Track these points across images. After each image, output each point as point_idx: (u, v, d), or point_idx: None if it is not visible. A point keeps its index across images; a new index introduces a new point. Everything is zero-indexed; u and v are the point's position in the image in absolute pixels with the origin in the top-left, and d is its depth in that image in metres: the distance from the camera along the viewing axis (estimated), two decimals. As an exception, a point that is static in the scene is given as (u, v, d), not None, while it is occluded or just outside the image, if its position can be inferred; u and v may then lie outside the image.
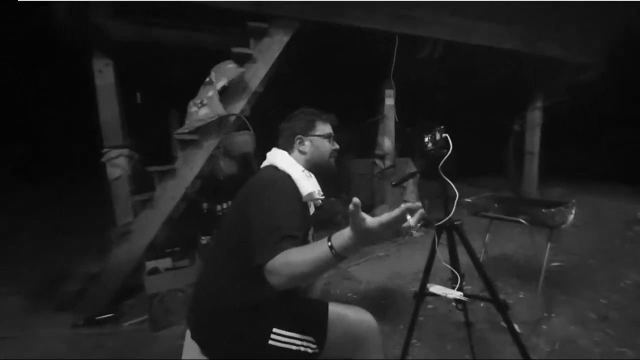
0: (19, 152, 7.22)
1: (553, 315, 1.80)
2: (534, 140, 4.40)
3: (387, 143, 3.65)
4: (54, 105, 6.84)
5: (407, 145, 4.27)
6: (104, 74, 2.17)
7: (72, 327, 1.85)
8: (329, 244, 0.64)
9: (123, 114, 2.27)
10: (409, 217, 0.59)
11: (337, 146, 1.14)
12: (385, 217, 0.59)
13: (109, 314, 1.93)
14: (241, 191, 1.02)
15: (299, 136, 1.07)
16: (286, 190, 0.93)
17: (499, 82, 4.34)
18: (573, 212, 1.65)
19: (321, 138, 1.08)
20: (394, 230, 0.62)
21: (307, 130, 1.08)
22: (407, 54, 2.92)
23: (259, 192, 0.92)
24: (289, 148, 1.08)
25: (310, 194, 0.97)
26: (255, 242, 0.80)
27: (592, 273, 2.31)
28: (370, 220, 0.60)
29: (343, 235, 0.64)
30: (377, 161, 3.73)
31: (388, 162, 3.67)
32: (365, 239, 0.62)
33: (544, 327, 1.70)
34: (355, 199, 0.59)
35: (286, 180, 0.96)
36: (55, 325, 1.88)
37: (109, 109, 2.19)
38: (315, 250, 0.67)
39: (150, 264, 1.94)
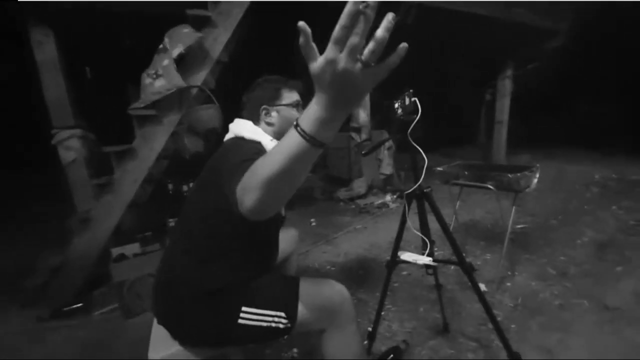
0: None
1: (516, 273, 1.92)
2: (503, 109, 4.52)
3: (363, 115, 3.60)
4: None
5: (385, 117, 4.25)
6: (45, 46, 1.90)
7: (37, 322, 1.75)
8: (295, 124, 0.46)
9: (71, 90, 2.04)
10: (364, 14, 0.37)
11: None
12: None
13: (77, 304, 1.84)
14: (205, 167, 0.96)
15: (264, 106, 1.00)
16: (257, 147, 0.87)
17: (472, 50, 4.33)
18: (537, 176, 1.71)
19: (289, 107, 1.02)
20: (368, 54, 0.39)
21: (272, 99, 1.01)
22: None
23: (226, 154, 0.85)
24: (254, 120, 1.01)
25: None
26: (225, 186, 0.69)
27: (553, 233, 2.49)
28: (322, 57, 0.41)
29: (308, 109, 0.45)
30: (353, 134, 3.69)
31: (364, 135, 3.65)
32: (331, 89, 0.42)
33: (508, 284, 1.82)
34: (303, 25, 0.40)
35: (257, 144, 0.90)
36: (20, 323, 1.77)
37: (54, 86, 1.94)
38: (283, 143, 0.47)
39: (116, 251, 1.84)
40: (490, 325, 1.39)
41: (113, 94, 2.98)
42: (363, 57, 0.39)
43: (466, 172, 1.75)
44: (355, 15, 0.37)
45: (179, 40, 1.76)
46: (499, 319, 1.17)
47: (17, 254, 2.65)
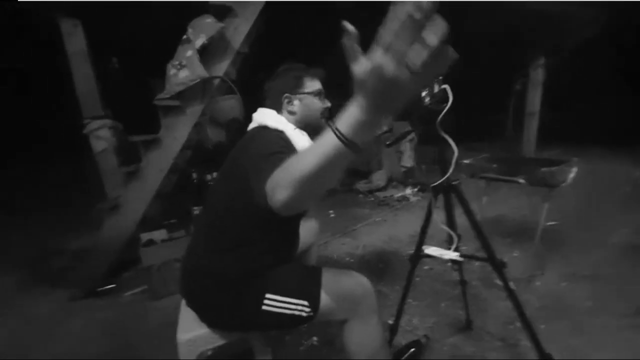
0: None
1: (545, 272, 1.83)
2: (535, 100, 4.26)
3: (384, 106, 3.50)
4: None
5: (405, 108, 4.13)
6: (74, 37, 1.97)
7: (69, 301, 1.87)
8: (333, 127, 0.44)
9: (100, 81, 2.12)
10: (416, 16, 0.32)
11: (328, 104, 1.05)
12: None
13: (109, 285, 1.95)
14: (229, 157, 0.97)
15: (286, 95, 0.98)
16: (281, 137, 0.87)
17: (502, 39, 4.08)
18: (574, 170, 1.60)
19: (311, 95, 1.00)
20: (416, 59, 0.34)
21: (294, 88, 0.99)
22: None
23: (250, 144, 0.86)
24: (277, 108, 1.00)
25: None
26: (252, 178, 0.70)
27: (585, 232, 2.34)
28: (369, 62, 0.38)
29: (347, 111, 0.43)
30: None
31: (385, 127, 3.56)
32: (373, 93, 0.39)
33: (537, 283, 1.74)
34: (348, 25, 0.39)
35: (281, 133, 0.90)
36: (50, 301, 1.90)
37: (84, 77, 2.02)
38: (319, 144, 0.47)
39: (145, 236, 1.93)
40: (517, 324, 1.35)
41: (138, 84, 3.07)
42: (412, 65, 0.35)
43: (495, 165, 1.67)
44: (406, 20, 0.33)
45: (201, 31, 1.77)
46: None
47: (45, 237, 2.81)
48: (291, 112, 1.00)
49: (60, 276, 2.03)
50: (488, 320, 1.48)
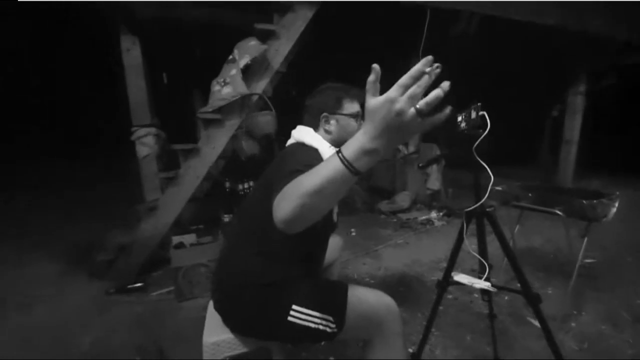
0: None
1: (583, 312, 1.71)
2: (573, 128, 4.07)
3: (412, 127, 3.51)
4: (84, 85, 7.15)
5: (432, 130, 4.10)
6: (132, 53, 2.19)
7: (105, 294, 1.99)
8: (338, 151, 0.50)
9: (151, 93, 2.32)
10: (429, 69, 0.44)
11: None
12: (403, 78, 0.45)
13: (138, 283, 2.06)
14: (267, 170, 1.01)
15: (325, 114, 1.01)
16: (313, 155, 0.91)
17: (539, 62, 4.00)
18: (616, 205, 1.51)
19: (348, 117, 1.02)
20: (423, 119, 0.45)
21: (333, 108, 1.02)
22: (439, 29, 2.73)
23: (284, 159, 0.90)
24: (315, 126, 1.03)
25: None
26: (274, 190, 0.74)
27: (628, 271, 2.16)
28: (384, 95, 0.46)
29: (355, 137, 0.50)
30: (400, 146, 3.62)
31: (412, 148, 3.56)
32: (381, 124, 0.46)
33: (573, 324, 1.62)
34: (375, 66, 0.47)
35: (314, 151, 0.94)
36: (86, 291, 2.03)
37: (136, 88, 2.23)
38: (324, 166, 0.52)
39: (176, 239, 2.02)
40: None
41: (182, 98, 3.33)
42: (418, 106, 0.44)
43: (530, 194, 1.61)
44: (423, 72, 0.44)
45: (245, 52, 1.92)
46: (563, 361, 1.05)
47: (87, 230, 3.02)
48: (327, 131, 1.02)
49: (99, 269, 2.17)
50: (517, 358, 1.39)
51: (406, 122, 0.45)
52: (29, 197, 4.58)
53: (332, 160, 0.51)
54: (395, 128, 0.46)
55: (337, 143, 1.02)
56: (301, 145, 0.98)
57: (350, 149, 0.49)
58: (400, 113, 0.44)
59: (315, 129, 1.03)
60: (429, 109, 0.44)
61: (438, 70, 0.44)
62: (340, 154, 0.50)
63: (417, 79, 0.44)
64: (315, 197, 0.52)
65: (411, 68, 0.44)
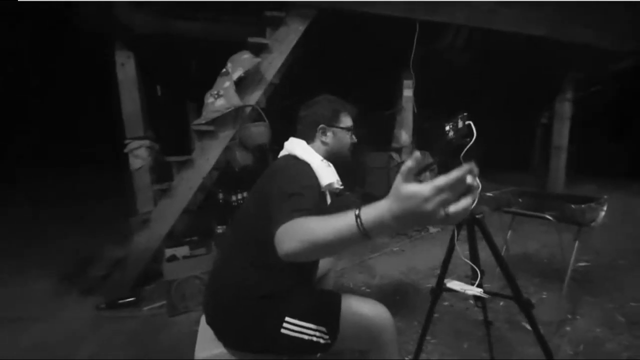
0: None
1: (578, 317, 1.71)
2: (562, 134, 4.16)
3: (405, 136, 3.56)
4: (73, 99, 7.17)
5: (425, 139, 4.16)
6: (126, 67, 2.22)
7: (95, 310, 1.95)
8: (357, 214, 0.51)
9: (144, 106, 2.33)
10: (469, 179, 0.44)
11: (355, 140, 1.11)
12: (442, 179, 0.44)
13: (130, 298, 2.02)
14: (258, 181, 1.02)
15: (322, 126, 1.03)
16: (305, 171, 0.92)
17: (526, 71, 4.11)
18: (604, 209, 1.54)
19: (344, 131, 1.06)
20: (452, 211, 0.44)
21: (331, 120, 1.04)
22: (428, 42, 2.80)
23: (277, 174, 0.91)
24: (309, 137, 1.04)
25: (330, 184, 0.96)
26: (272, 212, 0.75)
27: (622, 274, 2.18)
28: (419, 185, 0.45)
29: (377, 208, 0.49)
30: (394, 154, 3.65)
31: (405, 156, 3.59)
32: (407, 212, 0.45)
33: (568, 328, 1.62)
34: (417, 154, 0.47)
35: (306, 166, 0.95)
36: (80, 308, 1.98)
37: (130, 102, 2.24)
38: (339, 220, 0.53)
39: (169, 252, 2.00)
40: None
41: (176, 110, 3.35)
42: (448, 212, 0.45)
43: (520, 200, 1.63)
44: (462, 181, 0.44)
45: (239, 65, 1.95)
46: (558, 366, 1.05)
47: (80, 245, 2.97)
48: (324, 143, 1.04)
49: (92, 284, 2.13)
50: (515, 366, 1.39)
51: (432, 219, 0.45)
52: (22, 212, 4.51)
53: (348, 220, 0.52)
54: (419, 219, 0.46)
55: (331, 154, 1.04)
56: (293, 159, 0.99)
57: (371, 217, 0.50)
58: (429, 215, 0.44)
59: (310, 140, 1.04)
60: (457, 216, 0.45)
61: (477, 185, 0.46)
62: (358, 219, 0.50)
63: (454, 186, 0.44)
64: (323, 247, 0.56)
65: (453, 172, 0.43)
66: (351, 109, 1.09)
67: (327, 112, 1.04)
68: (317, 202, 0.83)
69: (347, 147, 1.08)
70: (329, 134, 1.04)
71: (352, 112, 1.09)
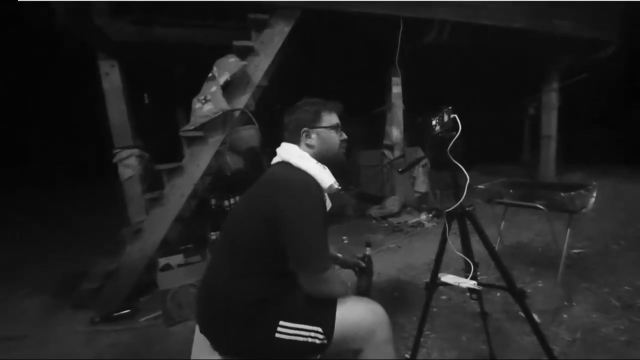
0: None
1: (574, 303, 1.73)
2: (550, 123, 4.23)
3: (396, 133, 3.58)
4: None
5: (417, 134, 4.19)
6: (111, 76, 2.19)
7: (89, 325, 1.91)
8: None
9: (132, 114, 2.30)
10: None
11: (345, 136, 1.09)
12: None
13: (125, 310, 1.98)
14: (254, 188, 1.00)
15: (304, 129, 1.02)
16: (308, 186, 0.91)
17: (511, 63, 4.17)
18: (594, 195, 1.56)
19: (328, 129, 1.03)
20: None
21: (312, 122, 1.02)
22: (413, 38, 2.82)
23: (280, 190, 0.90)
24: (295, 142, 1.03)
25: (331, 186, 0.96)
26: (301, 249, 0.86)
27: (615, 259, 2.21)
28: None
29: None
30: (386, 152, 3.67)
31: (397, 152, 3.61)
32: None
33: (565, 316, 1.63)
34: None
35: (311, 180, 0.93)
36: (73, 323, 1.94)
37: (117, 111, 2.21)
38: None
39: (162, 261, 1.97)
40: (545, 361, 1.26)
41: (165, 117, 3.31)
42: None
43: (511, 191, 1.65)
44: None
45: (225, 69, 1.94)
46: (554, 354, 1.05)
47: (72, 259, 2.91)
48: (309, 146, 1.02)
49: (85, 299, 2.09)
50: (512, 355, 1.39)
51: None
52: (13, 228, 4.42)
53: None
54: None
55: (321, 156, 1.02)
56: (290, 167, 0.97)
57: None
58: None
59: (297, 144, 1.03)
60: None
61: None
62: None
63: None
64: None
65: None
66: (334, 106, 1.07)
67: (308, 115, 1.03)
68: (325, 218, 0.92)
69: (337, 145, 1.06)
70: (313, 135, 1.02)
71: (336, 109, 1.07)
